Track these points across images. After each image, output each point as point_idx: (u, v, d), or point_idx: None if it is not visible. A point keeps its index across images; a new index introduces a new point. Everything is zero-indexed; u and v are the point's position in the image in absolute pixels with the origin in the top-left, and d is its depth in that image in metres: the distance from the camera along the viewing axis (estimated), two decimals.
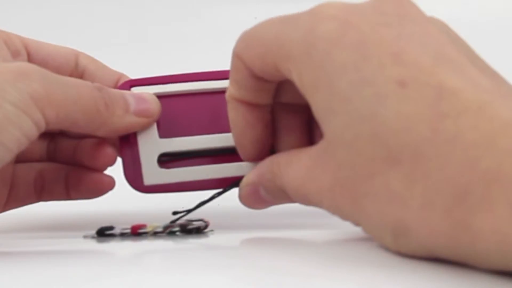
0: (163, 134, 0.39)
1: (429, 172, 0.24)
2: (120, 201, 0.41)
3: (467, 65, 0.26)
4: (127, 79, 0.41)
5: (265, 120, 0.34)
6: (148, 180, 0.38)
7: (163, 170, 0.38)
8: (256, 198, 0.34)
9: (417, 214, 0.24)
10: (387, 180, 0.25)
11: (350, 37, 0.27)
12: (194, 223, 0.36)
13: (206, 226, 0.36)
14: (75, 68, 0.40)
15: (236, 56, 0.32)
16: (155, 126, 0.38)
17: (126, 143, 0.38)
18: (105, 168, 0.40)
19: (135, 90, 0.39)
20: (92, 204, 0.41)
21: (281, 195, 0.32)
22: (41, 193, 0.40)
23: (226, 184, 0.38)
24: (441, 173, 0.23)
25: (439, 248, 0.24)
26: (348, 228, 0.29)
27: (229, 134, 0.37)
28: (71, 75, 0.39)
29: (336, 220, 0.29)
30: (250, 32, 0.32)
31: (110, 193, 0.40)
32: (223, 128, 0.38)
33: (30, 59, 0.39)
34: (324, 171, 0.28)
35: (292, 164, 0.31)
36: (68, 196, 0.40)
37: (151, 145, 0.38)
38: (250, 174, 0.34)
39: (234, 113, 0.34)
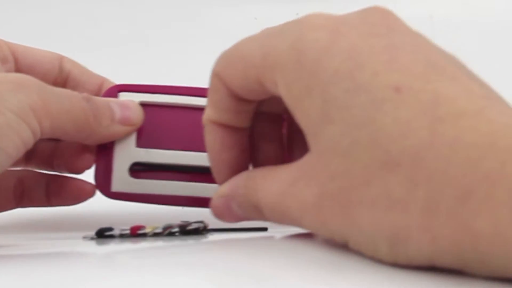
0: (141, 143, 0.39)
1: (430, 174, 0.24)
2: (119, 202, 0.41)
3: (458, 73, 0.26)
4: (110, 84, 0.41)
5: (242, 144, 0.33)
6: (115, 187, 0.38)
7: (132, 179, 0.38)
8: (227, 212, 0.33)
9: (419, 219, 0.24)
10: (386, 185, 0.25)
11: (340, 46, 0.27)
12: (193, 224, 0.36)
13: (205, 227, 0.36)
14: (59, 72, 0.41)
15: (216, 75, 0.31)
16: (134, 134, 0.39)
17: (103, 148, 0.39)
18: (82, 172, 0.40)
19: (122, 95, 0.40)
20: (91, 205, 0.41)
21: (253, 211, 0.31)
22: (21, 199, 0.41)
23: (193, 203, 0.38)
24: (443, 175, 0.23)
25: (440, 254, 0.24)
26: None
27: (205, 154, 0.36)
28: (55, 80, 0.40)
29: None
30: (230, 50, 0.31)
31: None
32: (201, 147, 0.38)
33: (17, 65, 0.40)
34: (310, 185, 0.27)
35: (269, 180, 0.30)
36: (48, 203, 0.41)
37: (126, 153, 0.38)
38: (224, 186, 0.33)
39: (211, 137, 0.33)
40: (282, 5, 0.67)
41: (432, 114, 0.24)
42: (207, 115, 0.33)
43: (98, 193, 0.40)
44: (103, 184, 0.38)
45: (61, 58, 0.41)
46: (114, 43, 0.70)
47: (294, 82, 0.28)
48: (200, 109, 0.39)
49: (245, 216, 0.33)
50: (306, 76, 0.27)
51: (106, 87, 0.41)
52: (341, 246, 0.27)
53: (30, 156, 0.41)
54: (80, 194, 0.40)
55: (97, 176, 0.39)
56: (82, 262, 0.31)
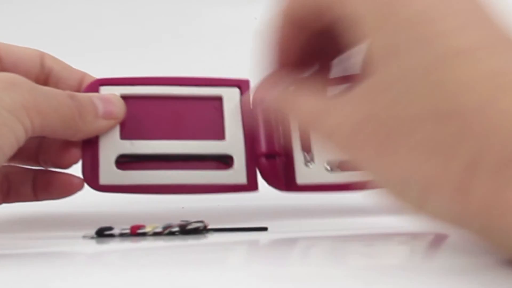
0: (125, 135, 0.39)
1: (480, 134, 0.24)
2: (120, 201, 0.41)
3: None
4: (91, 78, 0.41)
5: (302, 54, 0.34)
6: (104, 180, 0.39)
7: (120, 171, 0.39)
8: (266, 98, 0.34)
9: (459, 173, 0.24)
10: (434, 135, 0.25)
11: None
12: (193, 224, 0.36)
13: (205, 227, 0.36)
14: (41, 69, 0.41)
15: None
16: (117, 127, 0.39)
17: (88, 142, 0.39)
18: (69, 166, 0.41)
19: (104, 89, 0.40)
20: (91, 204, 0.41)
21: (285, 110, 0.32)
22: (8, 195, 0.41)
23: (181, 190, 0.39)
24: (491, 138, 0.24)
25: (468, 215, 0.24)
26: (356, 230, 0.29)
27: (189, 142, 0.39)
28: (37, 77, 0.41)
29: (339, 222, 0.29)
30: None
31: (109, 194, 0.40)
32: (184, 135, 0.39)
33: (1, 63, 0.40)
34: (350, 113, 0.28)
35: (312, 95, 0.31)
36: (35, 198, 0.41)
37: (111, 146, 0.39)
38: (266, 81, 0.34)
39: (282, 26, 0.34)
40: None
41: (492, 81, 0.25)
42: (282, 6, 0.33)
43: (97, 194, 0.40)
44: (91, 178, 0.39)
45: (42, 55, 0.41)
46: (114, 43, 0.70)
47: (367, 15, 0.28)
48: (180, 98, 0.40)
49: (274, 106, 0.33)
50: (380, 13, 0.28)
51: (86, 81, 0.41)
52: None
53: (15, 152, 0.41)
54: (68, 188, 0.40)
55: (84, 170, 0.39)
56: (81, 261, 0.31)
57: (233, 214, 0.43)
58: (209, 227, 0.36)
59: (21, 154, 0.41)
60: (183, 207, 0.44)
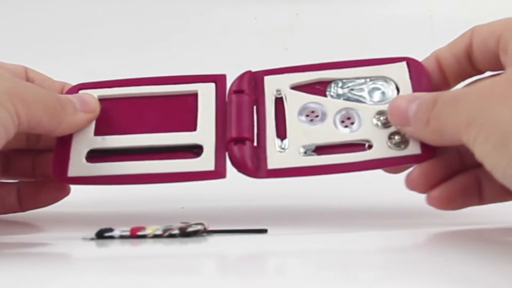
0: (98, 132, 0.41)
1: None
2: (120, 202, 0.41)
3: None
4: (70, 87, 0.43)
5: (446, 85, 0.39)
6: (72, 172, 0.40)
7: (88, 164, 0.40)
8: (402, 111, 0.36)
9: None
10: None
11: None
12: (193, 226, 0.36)
13: (205, 229, 0.36)
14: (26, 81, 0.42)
15: (472, 31, 0.37)
16: (93, 125, 0.41)
17: (61, 140, 0.40)
18: None
19: (82, 92, 0.42)
20: (91, 206, 0.41)
21: (429, 106, 0.34)
22: None
23: (147, 180, 0.39)
24: None
25: None
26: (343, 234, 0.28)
27: (159, 134, 0.40)
28: None
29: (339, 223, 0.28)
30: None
31: (109, 195, 0.40)
32: (156, 128, 0.41)
33: None
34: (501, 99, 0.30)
35: (462, 90, 0.33)
36: (20, 209, 0.43)
37: (83, 141, 0.40)
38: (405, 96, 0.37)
39: (428, 64, 0.39)
40: (282, 5, 0.66)
41: None
42: (438, 50, 0.39)
43: (97, 195, 0.40)
44: (60, 171, 0.40)
45: (26, 69, 0.43)
46: (115, 44, 0.70)
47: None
48: (156, 96, 0.42)
49: (415, 115, 0.35)
50: None
51: (66, 90, 0.43)
52: None
53: (6, 171, 0.43)
54: (58, 194, 0.42)
55: (54, 164, 0.40)
56: (79, 264, 0.31)
57: (233, 214, 0.43)
58: (209, 229, 0.36)
59: (16, 170, 0.43)
60: (182, 207, 0.44)
